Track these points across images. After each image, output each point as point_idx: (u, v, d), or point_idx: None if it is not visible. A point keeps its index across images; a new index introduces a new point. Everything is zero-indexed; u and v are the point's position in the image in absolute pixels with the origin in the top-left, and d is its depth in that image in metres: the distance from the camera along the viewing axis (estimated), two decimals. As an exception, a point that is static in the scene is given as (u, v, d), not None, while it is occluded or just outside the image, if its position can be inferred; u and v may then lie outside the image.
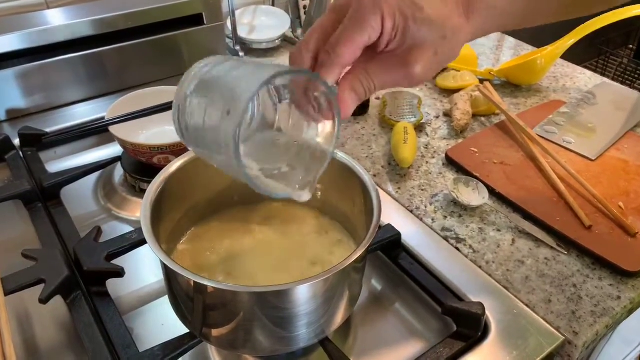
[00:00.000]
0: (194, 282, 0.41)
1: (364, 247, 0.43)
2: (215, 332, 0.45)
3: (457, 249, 0.61)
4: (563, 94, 0.92)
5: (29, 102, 0.81)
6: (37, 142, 0.74)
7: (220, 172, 0.54)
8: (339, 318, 0.47)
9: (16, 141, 0.74)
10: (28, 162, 0.71)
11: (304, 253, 0.53)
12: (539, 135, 0.77)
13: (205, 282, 0.40)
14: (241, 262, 0.52)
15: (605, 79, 0.96)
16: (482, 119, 0.85)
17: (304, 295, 0.42)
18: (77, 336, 0.49)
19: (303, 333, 0.45)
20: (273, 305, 0.42)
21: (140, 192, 0.69)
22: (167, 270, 0.45)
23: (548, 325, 0.53)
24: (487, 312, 0.52)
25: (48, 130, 0.75)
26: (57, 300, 0.51)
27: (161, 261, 0.42)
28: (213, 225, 0.56)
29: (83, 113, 0.83)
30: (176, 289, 0.45)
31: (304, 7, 1.04)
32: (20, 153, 0.73)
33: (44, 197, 0.65)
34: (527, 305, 0.55)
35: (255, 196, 0.57)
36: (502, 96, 0.87)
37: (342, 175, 0.51)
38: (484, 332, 0.52)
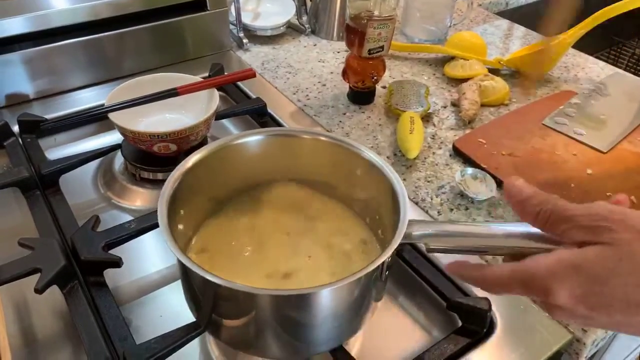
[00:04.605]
0: (210, 281, 0.37)
1: (391, 250, 0.39)
2: (225, 332, 0.44)
3: (464, 242, 0.59)
4: (574, 85, 0.89)
5: (29, 88, 0.79)
6: (36, 128, 0.72)
7: (237, 165, 0.50)
8: (358, 325, 0.45)
9: (15, 128, 0.73)
10: (27, 149, 0.70)
11: (326, 250, 0.50)
12: (549, 127, 0.76)
13: (227, 285, 0.37)
14: (260, 255, 0.49)
15: (618, 70, 0.94)
16: (491, 109, 0.83)
17: (326, 300, 0.39)
18: (75, 326, 0.48)
19: (317, 340, 0.43)
20: (293, 306, 0.40)
21: (141, 181, 0.68)
22: (184, 268, 0.42)
23: (556, 322, 0.51)
24: (493, 307, 0.50)
25: (48, 116, 0.74)
26: (55, 289, 0.50)
27: (177, 259, 0.39)
28: (230, 216, 0.53)
29: (84, 99, 0.81)
30: (191, 285, 0.43)
31: (310, -7, 1.03)
32: (19, 140, 0.72)
33: (42, 184, 0.64)
34: (534, 301, 0.53)
35: (272, 189, 0.54)
36: (511, 86, 0.85)
37: (369, 174, 0.49)
38: (490, 328, 0.51)
